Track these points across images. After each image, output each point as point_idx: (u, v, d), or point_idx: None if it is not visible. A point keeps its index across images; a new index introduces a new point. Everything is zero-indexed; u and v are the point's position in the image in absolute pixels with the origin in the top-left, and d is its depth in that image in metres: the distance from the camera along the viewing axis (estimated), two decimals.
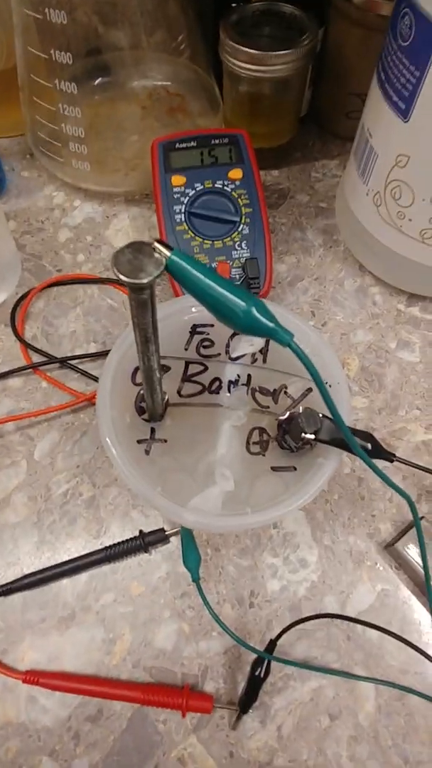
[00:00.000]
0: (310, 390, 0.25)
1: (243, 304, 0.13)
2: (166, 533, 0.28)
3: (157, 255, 0.13)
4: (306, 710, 0.25)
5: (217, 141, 0.34)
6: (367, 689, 0.25)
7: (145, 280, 0.13)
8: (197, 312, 0.26)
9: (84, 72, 0.37)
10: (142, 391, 0.24)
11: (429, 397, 0.33)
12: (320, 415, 0.21)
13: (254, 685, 0.23)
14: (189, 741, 0.24)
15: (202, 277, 0.13)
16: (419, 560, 0.26)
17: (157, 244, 0.13)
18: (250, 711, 0.24)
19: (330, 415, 0.21)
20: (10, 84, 0.38)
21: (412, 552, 0.27)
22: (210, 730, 0.24)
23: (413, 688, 0.25)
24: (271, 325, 0.13)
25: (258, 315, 0.13)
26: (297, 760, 0.24)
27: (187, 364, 0.25)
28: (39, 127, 0.38)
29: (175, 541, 0.28)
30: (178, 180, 0.34)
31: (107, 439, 0.22)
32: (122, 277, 0.13)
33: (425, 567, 0.23)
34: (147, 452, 0.23)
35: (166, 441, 0.23)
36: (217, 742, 0.24)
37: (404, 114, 0.26)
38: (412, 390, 0.33)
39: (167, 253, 0.13)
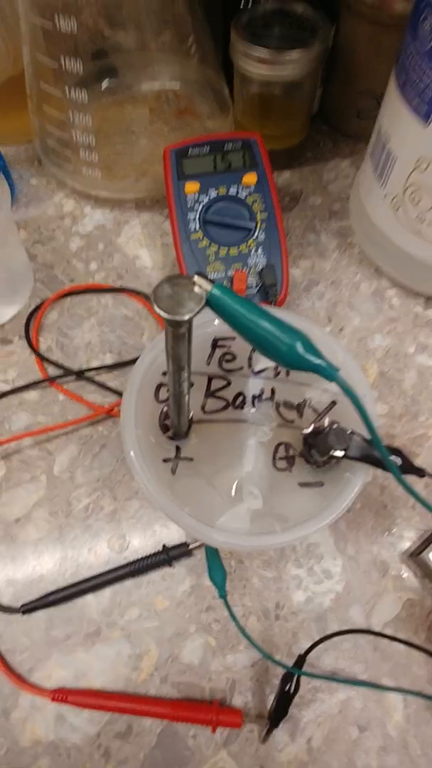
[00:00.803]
0: (334, 403, 0.24)
1: (288, 339, 0.13)
2: (190, 547, 0.27)
3: (197, 289, 0.13)
4: (335, 722, 0.25)
5: (230, 146, 0.34)
6: (396, 700, 0.25)
7: (186, 317, 0.13)
8: (218, 324, 0.25)
9: (91, 75, 0.36)
10: (165, 409, 0.23)
11: None
12: (349, 432, 0.21)
13: (284, 700, 0.23)
14: (219, 756, 0.24)
15: (245, 312, 0.13)
16: None
17: (197, 278, 0.13)
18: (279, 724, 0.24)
19: (361, 432, 0.21)
20: (18, 91, 0.38)
21: None
22: (240, 744, 0.24)
23: None
24: (317, 361, 0.13)
25: (303, 352, 0.13)
26: None
27: (210, 378, 0.25)
28: (48, 134, 0.37)
29: (198, 554, 0.28)
30: (191, 187, 0.33)
31: (135, 462, 0.21)
32: (163, 314, 0.13)
33: None
34: (173, 471, 0.22)
35: (192, 459, 0.23)
36: (248, 756, 0.24)
37: (426, 117, 0.26)
38: (431, 395, 0.32)
39: (208, 287, 0.13)
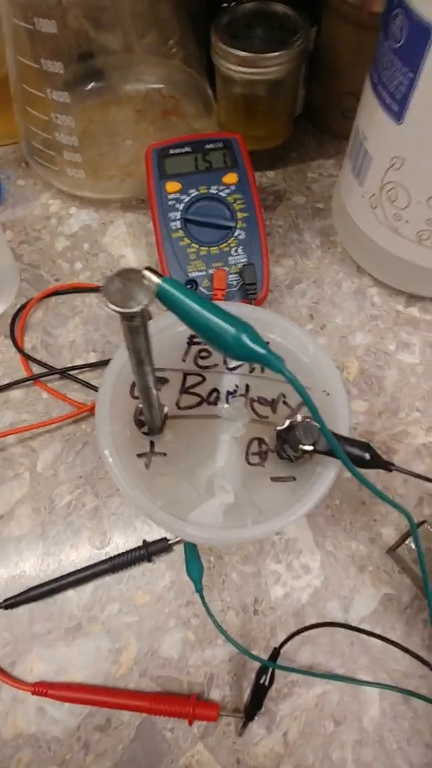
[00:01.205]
0: None
1: (233, 330, 0.13)
2: (169, 542, 0.28)
3: (146, 282, 0.13)
4: (311, 716, 0.25)
5: (211, 146, 0.34)
6: (372, 694, 0.26)
7: (135, 309, 0.13)
8: None
9: (76, 78, 0.36)
10: (140, 405, 0.24)
11: (429, 398, 0.33)
12: (318, 427, 0.21)
13: (259, 693, 0.24)
14: (196, 748, 0.25)
15: (192, 304, 0.13)
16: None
17: (146, 272, 0.13)
18: (256, 718, 0.24)
19: (334, 429, 0.21)
20: (3, 93, 0.38)
21: (414, 556, 0.27)
22: (217, 737, 0.25)
23: (417, 692, 0.25)
24: (262, 351, 0.13)
25: (248, 342, 0.13)
26: (303, 765, 0.24)
27: (185, 375, 0.25)
28: (32, 136, 0.38)
29: (178, 549, 0.28)
30: (173, 186, 0.34)
31: (107, 455, 0.22)
32: (113, 307, 0.13)
33: (424, 578, 0.23)
34: (147, 466, 0.23)
35: (165, 454, 0.23)
36: (224, 749, 0.25)
37: (398, 116, 0.26)
38: (411, 392, 0.33)
39: (157, 280, 0.13)
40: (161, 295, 0.13)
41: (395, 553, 0.28)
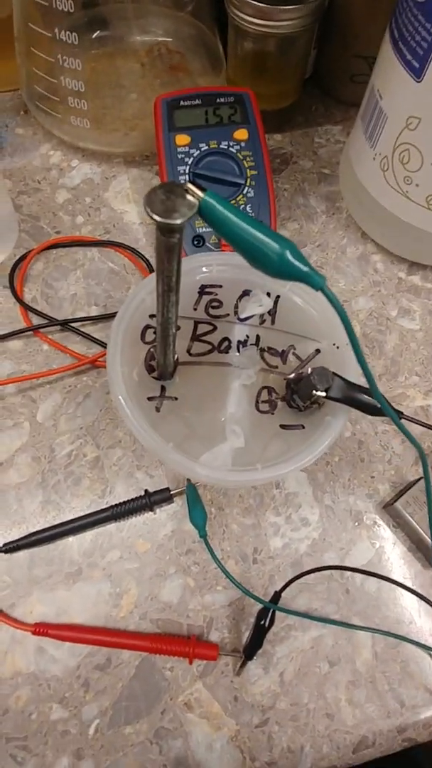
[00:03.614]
0: (318, 351, 0.25)
1: (277, 247, 0.13)
2: (171, 492, 0.28)
3: (189, 197, 0.13)
4: (307, 657, 0.26)
5: (222, 99, 0.34)
6: (365, 638, 0.27)
7: (178, 221, 0.13)
8: (207, 272, 0.26)
9: (82, 24, 0.35)
10: (152, 349, 0.24)
11: (428, 363, 0.33)
12: (331, 373, 0.22)
13: (259, 633, 0.24)
14: (195, 687, 0.25)
15: (235, 219, 0.13)
16: (415, 518, 0.27)
17: (190, 185, 0.13)
18: (254, 659, 0.25)
19: (339, 372, 0.21)
20: (3, 38, 0.37)
21: (410, 510, 0.28)
22: (215, 676, 0.25)
23: (408, 637, 0.26)
24: (305, 269, 0.13)
25: (292, 259, 0.13)
26: (298, 703, 0.25)
27: (196, 323, 0.25)
28: (36, 80, 0.36)
29: (179, 501, 0.29)
30: (182, 140, 0.33)
31: (118, 394, 0.22)
32: (155, 217, 0.13)
33: (430, 508, 0.24)
34: (157, 409, 0.23)
35: (176, 399, 0.23)
36: (222, 688, 0.25)
37: (418, 73, 0.26)
38: (411, 357, 0.33)
39: (201, 194, 0.13)
40: (204, 209, 0.13)
41: (392, 507, 0.29)
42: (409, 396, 0.32)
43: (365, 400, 0.22)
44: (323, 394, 0.21)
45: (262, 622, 0.24)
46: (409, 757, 0.39)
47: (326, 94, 0.43)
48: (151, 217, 0.13)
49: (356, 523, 0.29)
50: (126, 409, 0.21)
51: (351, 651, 0.26)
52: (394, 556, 0.28)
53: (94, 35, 0.37)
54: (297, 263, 0.13)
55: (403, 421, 0.26)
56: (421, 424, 0.27)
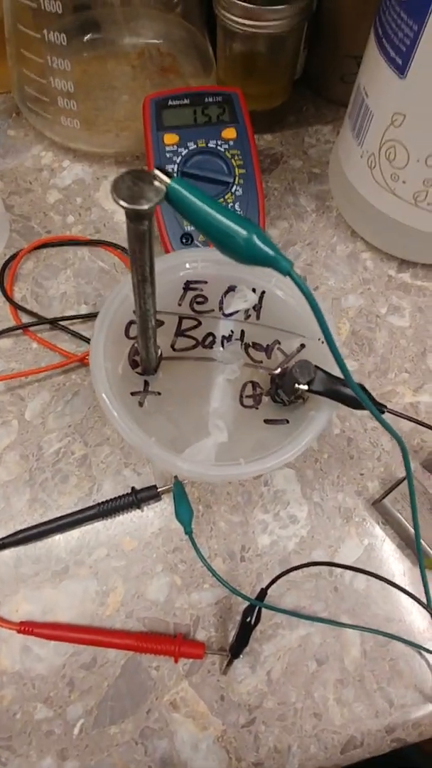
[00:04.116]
0: (303, 346, 0.25)
1: (244, 232, 0.13)
2: (158, 490, 0.28)
3: (157, 183, 0.13)
4: (294, 656, 0.26)
5: (210, 99, 0.34)
6: (353, 636, 0.26)
7: (145, 207, 0.13)
8: (191, 268, 0.26)
9: (73, 27, 0.35)
10: (136, 344, 0.24)
11: (417, 361, 0.33)
12: (314, 367, 0.22)
13: (245, 631, 0.24)
14: (181, 686, 0.25)
15: (202, 204, 0.13)
16: (404, 515, 0.27)
17: (157, 172, 0.13)
18: (240, 657, 0.25)
19: (323, 367, 0.21)
20: None
21: (399, 507, 0.28)
22: (201, 675, 0.25)
23: (398, 635, 0.26)
24: (271, 253, 0.13)
25: (259, 243, 0.13)
26: (285, 702, 0.25)
27: (181, 319, 0.25)
28: (26, 81, 0.37)
29: (166, 499, 0.28)
30: (170, 138, 0.33)
31: (101, 389, 0.22)
32: (122, 203, 0.13)
33: (413, 505, 0.24)
34: (141, 404, 0.23)
35: (159, 393, 0.23)
36: (209, 687, 0.25)
37: (401, 70, 0.26)
38: (401, 354, 0.33)
39: (167, 180, 0.13)
40: (171, 195, 0.13)
41: (380, 504, 0.28)
42: (399, 393, 0.32)
43: (348, 393, 0.22)
44: (306, 387, 0.21)
45: (248, 620, 0.24)
46: (404, 759, 0.39)
47: (317, 94, 0.43)
48: (118, 203, 0.13)
49: (345, 521, 0.29)
50: (107, 404, 0.21)
51: (339, 649, 0.26)
52: (383, 554, 0.28)
53: (86, 38, 0.37)
54: (264, 247, 0.13)
55: (389, 416, 0.26)
56: (405, 418, 0.27)
